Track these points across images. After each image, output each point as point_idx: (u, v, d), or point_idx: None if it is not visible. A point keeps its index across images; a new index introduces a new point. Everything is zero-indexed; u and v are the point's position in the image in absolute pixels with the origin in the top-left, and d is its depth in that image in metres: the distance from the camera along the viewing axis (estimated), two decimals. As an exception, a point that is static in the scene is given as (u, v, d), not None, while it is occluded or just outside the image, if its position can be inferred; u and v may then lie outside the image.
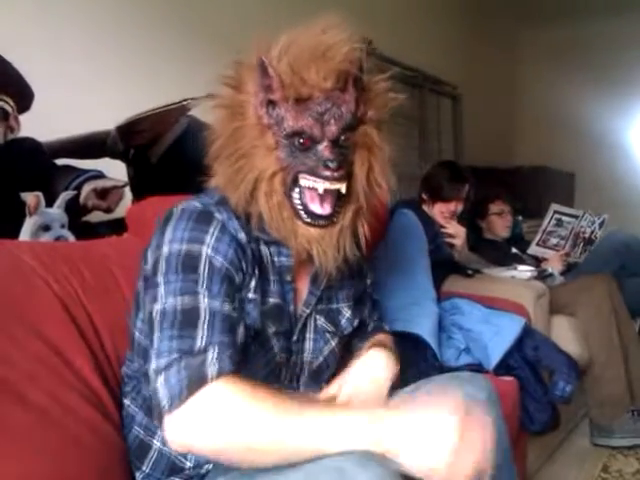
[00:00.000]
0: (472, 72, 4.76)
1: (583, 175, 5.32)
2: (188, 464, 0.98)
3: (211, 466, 0.98)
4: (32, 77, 1.65)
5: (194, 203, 0.96)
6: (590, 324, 2.34)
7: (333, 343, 1.09)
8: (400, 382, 1.12)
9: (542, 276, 2.58)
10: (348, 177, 0.95)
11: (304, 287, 1.05)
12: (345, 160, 0.94)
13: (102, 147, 1.91)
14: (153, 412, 0.88)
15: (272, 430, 0.79)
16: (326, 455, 0.78)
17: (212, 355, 0.84)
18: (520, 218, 3.45)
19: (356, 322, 1.15)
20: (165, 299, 0.89)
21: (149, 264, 0.96)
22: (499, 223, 2.94)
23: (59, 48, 2.03)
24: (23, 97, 1.65)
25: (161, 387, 0.83)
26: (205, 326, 0.86)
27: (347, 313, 1.13)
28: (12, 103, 1.62)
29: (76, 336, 1.07)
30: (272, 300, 0.99)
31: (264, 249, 1.00)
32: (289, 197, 0.94)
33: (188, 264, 0.90)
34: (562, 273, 2.79)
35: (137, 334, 1.03)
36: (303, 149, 0.92)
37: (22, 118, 1.67)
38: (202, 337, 0.86)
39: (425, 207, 2.38)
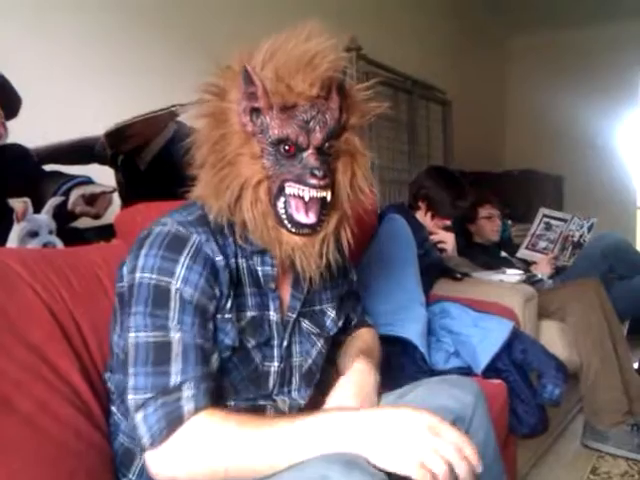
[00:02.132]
0: (461, 77, 4.79)
1: (572, 178, 5.36)
2: None
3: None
4: (19, 83, 1.65)
5: (169, 226, 0.94)
6: (581, 330, 2.35)
7: (319, 344, 1.10)
8: (388, 385, 1.12)
9: (531, 281, 2.59)
10: (332, 185, 0.96)
11: (287, 293, 1.06)
12: (329, 168, 0.94)
13: (90, 153, 1.92)
14: (136, 442, 0.90)
15: (247, 450, 0.81)
16: (309, 463, 0.78)
17: (187, 392, 0.86)
18: (509, 222, 3.47)
19: (340, 322, 1.16)
20: (137, 332, 0.90)
21: (125, 285, 0.96)
22: (488, 227, 2.96)
23: (47, 55, 2.02)
24: (10, 103, 1.65)
25: (140, 424, 0.85)
26: (179, 360, 0.88)
27: (332, 314, 1.13)
28: (-1, 109, 1.61)
29: (63, 343, 1.07)
30: (249, 314, 0.99)
31: (243, 262, 0.99)
32: (274, 206, 0.94)
33: (158, 298, 0.90)
34: (551, 276, 2.81)
35: (115, 348, 1.03)
36: (288, 156, 0.92)
37: (9, 124, 1.66)
38: (176, 373, 0.87)
39: (417, 214, 2.37)
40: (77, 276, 1.19)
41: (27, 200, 1.46)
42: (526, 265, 2.93)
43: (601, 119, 5.36)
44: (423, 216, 2.35)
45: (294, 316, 1.05)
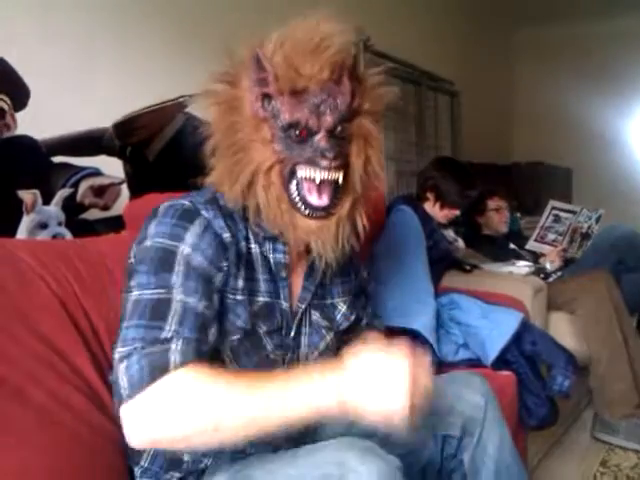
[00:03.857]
0: (470, 68, 4.76)
1: (580, 171, 5.33)
2: (186, 457, 0.98)
3: (210, 461, 0.98)
4: (28, 75, 1.65)
5: (182, 201, 0.96)
6: (590, 322, 2.33)
7: (328, 338, 1.10)
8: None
9: (541, 273, 2.58)
10: (345, 168, 0.95)
11: (298, 283, 1.05)
12: (342, 151, 0.94)
13: (99, 144, 1.92)
14: (114, 404, 0.87)
15: (237, 406, 0.80)
16: (326, 449, 0.78)
17: (176, 346, 0.84)
18: (518, 214, 3.46)
19: (352, 317, 1.15)
20: (139, 290, 0.89)
21: (131, 258, 0.96)
22: (496, 219, 2.94)
23: (55, 46, 2.02)
24: (19, 95, 1.65)
25: (122, 375, 0.83)
26: (174, 320, 0.86)
27: (342, 308, 1.13)
28: (8, 101, 1.62)
29: (74, 333, 1.07)
30: (261, 299, 0.99)
31: (256, 247, 0.99)
32: (287, 190, 0.94)
33: (165, 260, 0.90)
34: (560, 268, 2.79)
35: None
36: (299, 141, 0.92)
37: (18, 116, 1.66)
38: (169, 330, 0.85)
39: (425, 205, 2.36)
40: (87, 267, 1.20)
41: (36, 192, 1.46)
42: (535, 257, 2.92)
43: (610, 111, 5.31)
44: (432, 207, 2.33)
45: (303, 307, 1.05)
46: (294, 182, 0.93)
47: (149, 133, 1.90)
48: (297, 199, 0.94)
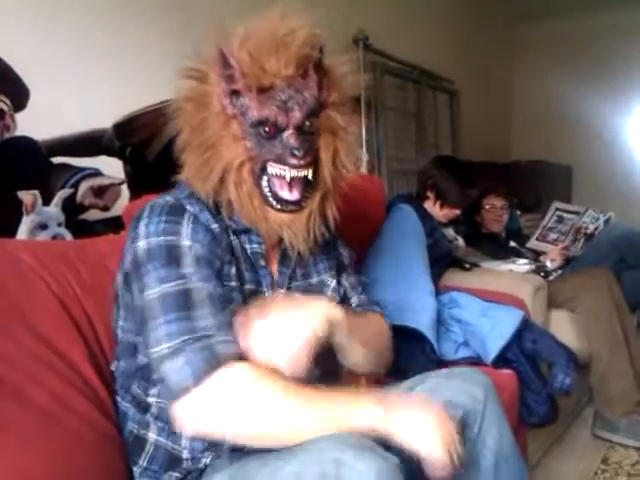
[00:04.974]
0: (469, 67, 4.76)
1: (580, 169, 5.32)
2: (185, 454, 0.98)
3: (209, 461, 0.98)
4: (27, 76, 1.65)
5: (165, 198, 0.97)
6: (591, 320, 2.33)
7: None
8: (397, 376, 1.12)
9: (541, 271, 2.58)
10: (315, 163, 0.97)
11: (276, 270, 1.07)
12: (311, 147, 0.95)
13: (99, 145, 1.91)
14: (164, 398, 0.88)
15: (284, 413, 0.82)
16: (323, 446, 0.78)
17: (217, 337, 0.86)
18: (518, 213, 3.45)
19: (342, 290, 1.16)
20: (154, 288, 0.89)
21: (127, 261, 0.96)
22: (489, 217, 2.94)
23: (54, 46, 2.02)
24: (19, 96, 1.65)
25: (171, 373, 0.83)
26: (202, 307, 0.87)
27: (332, 283, 1.14)
28: (8, 102, 1.62)
29: (74, 334, 1.07)
30: (248, 287, 1.01)
31: (234, 239, 1.01)
32: (258, 186, 0.95)
33: (172, 255, 0.90)
34: (561, 267, 2.79)
35: (120, 333, 1.03)
36: (269, 137, 0.93)
37: (18, 117, 1.66)
38: (201, 318, 0.86)
39: (426, 203, 2.36)
40: (87, 267, 1.20)
41: (36, 192, 1.47)
42: (535, 255, 2.92)
43: (610, 109, 5.30)
44: (432, 206, 2.33)
45: (283, 291, 1.06)
46: (265, 178, 0.95)
47: (149, 133, 1.90)
48: (269, 194, 0.95)
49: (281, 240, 1.01)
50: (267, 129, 0.93)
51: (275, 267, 1.07)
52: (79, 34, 2.09)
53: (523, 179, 4.53)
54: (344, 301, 1.18)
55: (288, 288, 1.07)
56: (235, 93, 0.94)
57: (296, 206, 0.96)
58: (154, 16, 2.38)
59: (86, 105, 2.03)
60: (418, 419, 0.84)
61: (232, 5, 2.65)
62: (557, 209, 3.12)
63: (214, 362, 0.84)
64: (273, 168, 0.94)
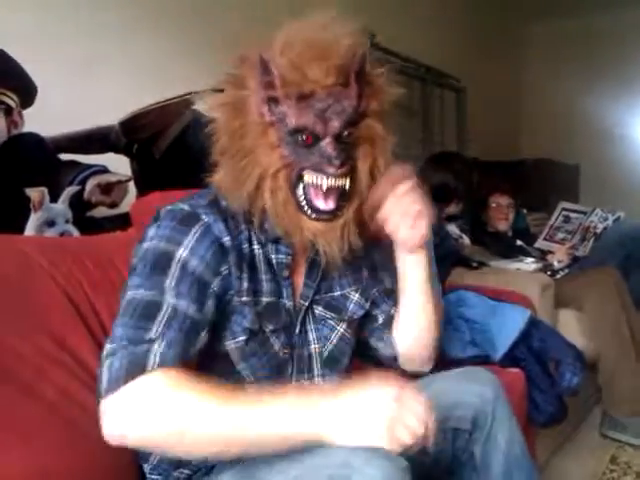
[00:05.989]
0: (476, 65, 4.74)
1: (588, 167, 5.29)
2: None
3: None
4: (35, 72, 1.65)
5: (182, 205, 0.96)
6: (598, 319, 2.32)
7: (340, 329, 1.08)
8: (404, 376, 1.11)
9: (548, 270, 2.57)
10: (351, 173, 0.95)
11: (300, 281, 1.05)
12: (348, 156, 0.94)
13: (106, 142, 1.92)
14: (96, 399, 0.87)
15: (204, 420, 0.80)
16: (331, 449, 0.78)
17: (157, 347, 0.85)
18: (525, 211, 3.44)
19: (367, 305, 1.13)
20: (133, 290, 0.90)
21: (132, 258, 0.97)
22: (494, 215, 2.93)
23: (62, 43, 2.02)
24: (26, 92, 1.65)
25: (104, 371, 0.83)
26: (162, 321, 0.87)
27: (355, 297, 1.11)
28: (15, 98, 1.62)
29: (82, 330, 1.07)
30: (265, 299, 0.99)
31: (258, 248, 1.00)
32: (294, 194, 0.94)
33: (161, 263, 0.91)
34: (568, 265, 2.78)
35: None
36: (306, 146, 0.92)
37: (26, 113, 1.67)
38: (155, 331, 0.86)
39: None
40: (94, 264, 1.20)
41: (44, 189, 1.46)
42: (542, 254, 2.91)
43: (618, 107, 5.28)
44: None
45: (306, 304, 1.05)
46: (301, 186, 0.93)
47: (156, 130, 1.90)
48: (304, 203, 0.94)
49: (309, 251, 1.00)
50: (305, 137, 0.92)
51: (300, 279, 1.05)
52: (87, 30, 2.10)
53: (530, 177, 4.51)
54: (367, 316, 1.15)
55: (311, 301, 1.06)
56: (273, 100, 0.92)
57: (331, 215, 0.94)
58: (162, 13, 2.38)
59: (93, 102, 2.04)
60: (354, 415, 0.79)
61: (240, 7, 2.65)
62: (564, 209, 3.11)
63: (139, 369, 0.83)
64: (310, 176, 0.92)
